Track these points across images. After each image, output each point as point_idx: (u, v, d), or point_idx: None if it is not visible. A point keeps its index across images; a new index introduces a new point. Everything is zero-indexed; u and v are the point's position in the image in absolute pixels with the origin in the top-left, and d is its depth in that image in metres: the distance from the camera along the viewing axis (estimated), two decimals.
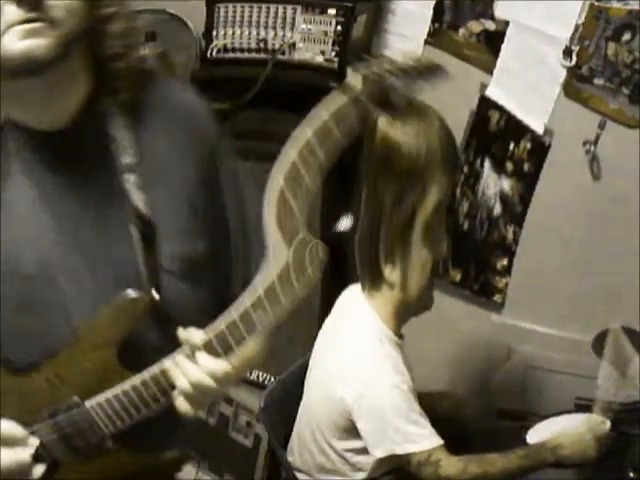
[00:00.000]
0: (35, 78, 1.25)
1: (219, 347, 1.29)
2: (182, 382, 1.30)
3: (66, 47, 1.24)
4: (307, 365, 2.27)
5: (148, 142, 1.38)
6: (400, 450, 1.98)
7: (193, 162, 1.42)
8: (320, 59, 2.64)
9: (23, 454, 1.32)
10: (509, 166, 2.45)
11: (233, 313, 1.26)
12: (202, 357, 1.29)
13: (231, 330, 1.27)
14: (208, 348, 1.29)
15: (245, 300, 1.25)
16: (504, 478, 2.00)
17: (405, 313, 2.09)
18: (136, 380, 1.31)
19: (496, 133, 2.48)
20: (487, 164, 2.52)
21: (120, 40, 1.35)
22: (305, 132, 1.18)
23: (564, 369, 2.40)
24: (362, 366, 2.01)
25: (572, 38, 2.22)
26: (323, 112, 1.18)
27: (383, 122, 1.97)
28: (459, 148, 2.57)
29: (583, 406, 2.13)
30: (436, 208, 1.95)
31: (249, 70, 2.74)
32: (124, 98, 1.36)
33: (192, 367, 1.29)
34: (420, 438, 1.98)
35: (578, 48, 2.21)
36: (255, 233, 1.41)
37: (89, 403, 1.33)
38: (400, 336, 2.10)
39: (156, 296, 1.34)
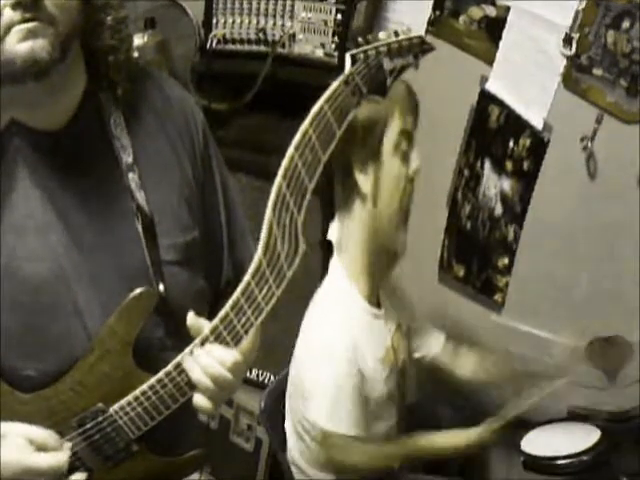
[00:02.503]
0: (38, 82, 1.24)
1: (227, 335, 1.31)
2: (196, 372, 1.31)
3: (65, 46, 1.24)
4: None
5: (145, 141, 1.39)
6: (310, 418, 1.97)
7: (188, 160, 1.44)
8: (320, 53, 2.61)
9: (60, 457, 1.33)
10: (509, 166, 2.42)
11: (236, 292, 1.30)
12: (211, 345, 1.31)
13: (236, 312, 1.30)
14: (217, 337, 1.32)
15: (246, 278, 1.29)
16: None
17: (376, 262, 2.04)
18: (153, 380, 1.33)
19: (496, 130, 2.45)
20: (487, 165, 2.49)
21: (113, 32, 1.36)
22: (303, 124, 1.27)
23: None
24: (317, 340, 2.01)
25: (572, 25, 2.16)
26: (320, 100, 1.28)
27: None
28: (460, 149, 2.56)
29: (576, 414, 2.14)
30: (401, 132, 1.98)
31: (249, 65, 2.72)
32: (120, 93, 1.37)
33: (203, 355, 1.30)
34: (328, 417, 1.94)
35: (578, 36, 2.15)
36: (241, 221, 1.56)
37: (113, 408, 1.34)
38: (378, 304, 2.07)
39: (162, 288, 1.36)
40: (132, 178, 1.35)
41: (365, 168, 1.98)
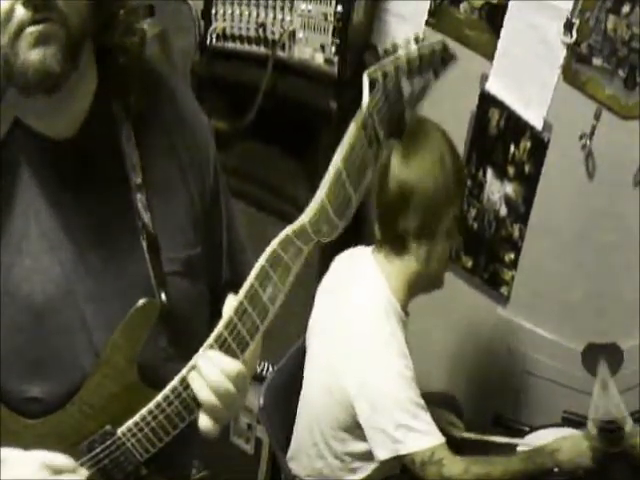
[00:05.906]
0: (49, 94, 1.19)
1: (233, 342, 1.25)
2: (199, 385, 1.25)
3: (77, 50, 1.19)
4: (305, 349, 2.20)
5: (154, 162, 1.34)
6: (404, 450, 1.93)
7: (196, 191, 1.40)
8: (320, 59, 2.57)
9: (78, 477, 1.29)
10: (510, 170, 2.47)
11: (239, 296, 1.23)
12: (214, 353, 1.25)
13: (240, 316, 1.24)
14: (222, 345, 1.25)
15: (249, 280, 1.23)
16: None
17: (416, 287, 2.08)
18: (159, 397, 1.27)
19: (496, 137, 2.48)
20: (489, 173, 2.54)
21: (126, 26, 1.29)
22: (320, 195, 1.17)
23: (556, 379, 2.36)
24: (366, 347, 1.98)
25: (573, 9, 2.14)
26: (336, 159, 1.16)
27: (395, 165, 2.01)
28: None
29: (570, 420, 2.10)
30: (454, 219, 2.06)
31: (249, 71, 2.70)
32: (132, 103, 1.31)
33: (207, 366, 1.24)
34: (422, 435, 1.93)
35: (579, 21, 2.14)
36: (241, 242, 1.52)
37: (120, 431, 1.29)
38: (406, 313, 2.07)
39: (164, 298, 1.31)
40: (140, 199, 1.31)
41: (419, 241, 2.02)
